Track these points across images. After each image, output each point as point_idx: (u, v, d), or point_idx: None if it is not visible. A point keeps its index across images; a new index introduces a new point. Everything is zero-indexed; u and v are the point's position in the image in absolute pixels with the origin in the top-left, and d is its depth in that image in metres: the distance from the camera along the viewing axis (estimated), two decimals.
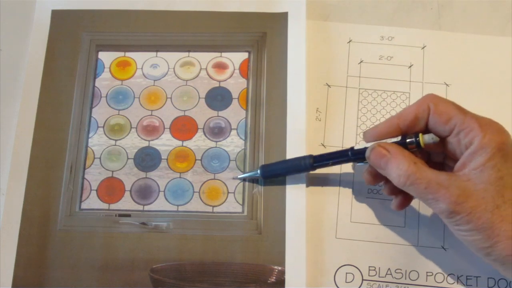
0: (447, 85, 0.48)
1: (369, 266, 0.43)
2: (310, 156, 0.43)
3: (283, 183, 0.45)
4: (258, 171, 0.44)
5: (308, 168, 0.43)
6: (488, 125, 0.37)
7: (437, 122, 0.38)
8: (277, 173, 0.45)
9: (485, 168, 0.36)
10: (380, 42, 0.50)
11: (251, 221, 0.45)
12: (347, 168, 0.46)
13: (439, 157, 0.42)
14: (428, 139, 0.38)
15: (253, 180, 0.45)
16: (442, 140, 0.39)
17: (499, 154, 0.35)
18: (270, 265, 0.43)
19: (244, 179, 0.46)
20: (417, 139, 0.38)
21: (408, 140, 0.38)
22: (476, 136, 0.36)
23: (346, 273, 0.43)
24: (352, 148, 0.41)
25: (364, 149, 0.40)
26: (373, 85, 0.49)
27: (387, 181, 0.40)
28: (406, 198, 0.41)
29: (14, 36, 0.50)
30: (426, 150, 0.40)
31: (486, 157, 0.35)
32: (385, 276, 0.43)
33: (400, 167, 0.37)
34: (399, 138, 0.39)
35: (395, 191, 0.41)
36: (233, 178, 0.46)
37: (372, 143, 0.40)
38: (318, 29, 0.50)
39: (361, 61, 0.49)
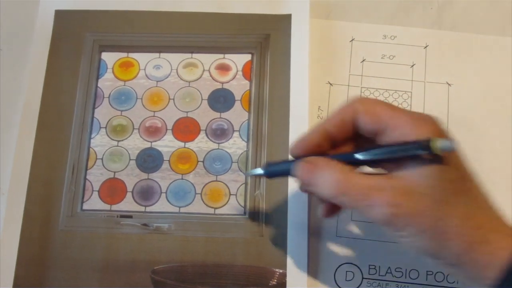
0: (449, 84, 0.48)
1: (369, 265, 0.43)
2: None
3: (285, 184, 0.45)
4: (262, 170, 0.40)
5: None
6: (420, 119, 0.33)
7: (367, 122, 0.34)
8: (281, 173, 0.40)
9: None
10: (383, 41, 0.50)
11: (252, 223, 0.45)
12: None
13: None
14: (444, 145, 0.31)
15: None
16: (374, 141, 0.35)
17: None
18: (271, 267, 0.43)
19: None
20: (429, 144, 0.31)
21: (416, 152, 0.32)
22: (409, 132, 0.32)
23: (346, 271, 0.43)
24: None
25: None
26: (375, 84, 0.49)
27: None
28: (335, 205, 0.38)
29: (17, 36, 0.50)
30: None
31: None
32: (385, 275, 0.43)
33: (327, 179, 0.34)
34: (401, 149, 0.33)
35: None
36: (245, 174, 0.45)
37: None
38: (320, 27, 0.50)
39: (363, 60, 0.49)
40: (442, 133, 0.33)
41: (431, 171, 0.32)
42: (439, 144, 0.31)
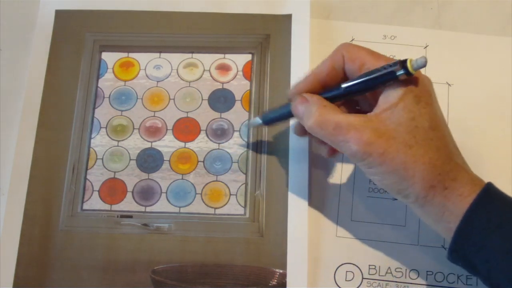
0: (449, 84, 0.48)
1: (369, 265, 0.43)
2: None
3: (286, 184, 0.45)
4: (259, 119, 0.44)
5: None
6: None
7: (352, 69, 0.38)
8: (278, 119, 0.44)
9: (396, 109, 0.35)
10: (383, 41, 0.50)
11: (253, 223, 0.45)
12: (348, 167, 0.46)
13: (366, 104, 0.41)
14: (417, 63, 0.34)
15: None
16: None
17: (410, 95, 0.35)
18: (271, 267, 0.43)
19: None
20: (405, 64, 0.34)
21: (393, 69, 0.35)
22: None
23: (346, 271, 0.43)
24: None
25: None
26: None
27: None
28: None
29: (17, 36, 0.50)
30: (354, 98, 0.41)
31: (397, 97, 0.35)
32: (385, 275, 0.43)
33: (309, 111, 0.37)
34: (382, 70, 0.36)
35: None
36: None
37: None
38: (320, 27, 0.50)
39: None
40: (418, 83, 0.36)
41: (405, 118, 0.35)
42: (413, 62, 0.34)
